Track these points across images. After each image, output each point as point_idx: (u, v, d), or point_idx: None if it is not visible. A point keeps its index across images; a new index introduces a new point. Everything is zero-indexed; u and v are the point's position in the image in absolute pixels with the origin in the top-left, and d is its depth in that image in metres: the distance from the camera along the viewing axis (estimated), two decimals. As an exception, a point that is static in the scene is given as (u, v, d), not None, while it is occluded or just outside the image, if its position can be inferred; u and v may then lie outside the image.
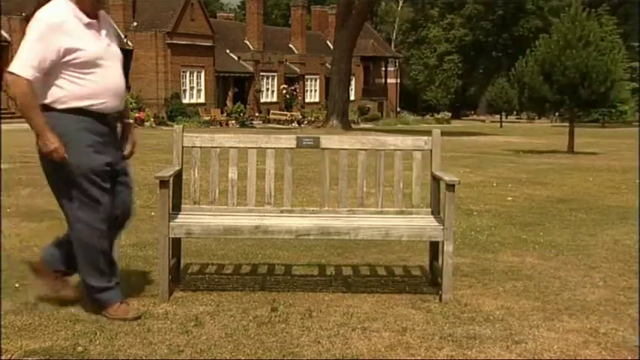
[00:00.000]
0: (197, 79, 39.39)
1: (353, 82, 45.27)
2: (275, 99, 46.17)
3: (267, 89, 46.02)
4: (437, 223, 4.37)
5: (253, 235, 4.26)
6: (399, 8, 71.87)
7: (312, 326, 3.77)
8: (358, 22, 31.31)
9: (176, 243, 4.60)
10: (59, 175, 3.76)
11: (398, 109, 58.67)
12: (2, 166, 10.12)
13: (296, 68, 48.38)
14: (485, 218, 7.29)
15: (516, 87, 20.80)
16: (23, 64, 3.62)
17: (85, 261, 3.85)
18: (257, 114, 42.90)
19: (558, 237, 6.34)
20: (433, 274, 4.67)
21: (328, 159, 4.69)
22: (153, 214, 6.74)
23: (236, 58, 44.06)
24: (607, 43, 18.81)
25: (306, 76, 49.38)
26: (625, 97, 41.13)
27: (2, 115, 26.04)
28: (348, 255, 5.49)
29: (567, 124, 20.58)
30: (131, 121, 4.24)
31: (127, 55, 34.20)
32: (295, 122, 40.85)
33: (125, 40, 35.85)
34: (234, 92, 43.12)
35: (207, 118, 36.00)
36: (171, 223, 4.19)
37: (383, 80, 57.39)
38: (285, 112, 43.90)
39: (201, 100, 39.70)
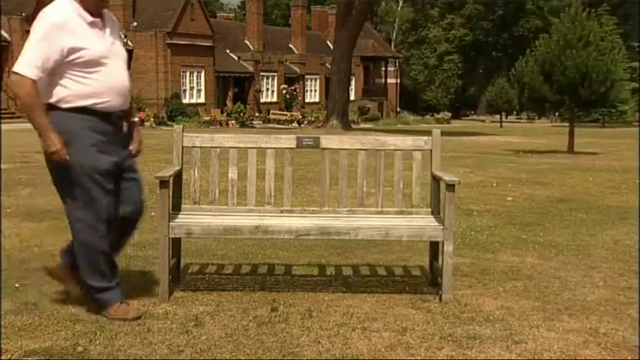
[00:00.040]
0: (197, 79, 39.39)
1: (353, 82, 45.27)
2: (275, 99, 46.17)
3: (267, 89, 46.02)
4: (437, 223, 4.37)
5: (253, 235, 4.26)
6: (399, 8, 71.86)
7: (312, 326, 3.77)
8: (358, 22, 31.30)
9: (176, 243, 4.60)
10: (63, 174, 3.76)
11: (398, 109, 58.66)
12: (2, 166, 10.12)
13: (296, 68, 48.38)
14: (485, 218, 7.29)
15: (516, 87, 20.79)
16: (27, 64, 3.62)
17: (85, 261, 3.85)
18: (257, 114, 42.89)
19: (558, 237, 6.34)
20: (433, 274, 4.67)
21: (328, 159, 4.69)
22: (153, 214, 6.72)
23: (236, 58, 44.06)
24: (607, 43, 18.80)
25: (306, 76, 49.38)
26: (625, 97, 41.12)
27: (2, 115, 26.05)
28: (348, 255, 5.49)
29: (567, 124, 20.58)
30: (137, 119, 4.24)
31: (127, 55, 34.16)
32: (295, 122, 40.83)
33: (125, 40, 35.82)
34: (234, 92, 43.13)
35: (207, 118, 35.99)
36: (171, 223, 4.19)
37: (383, 80, 57.39)
38: (285, 112, 43.88)
39: (201, 100, 39.70)
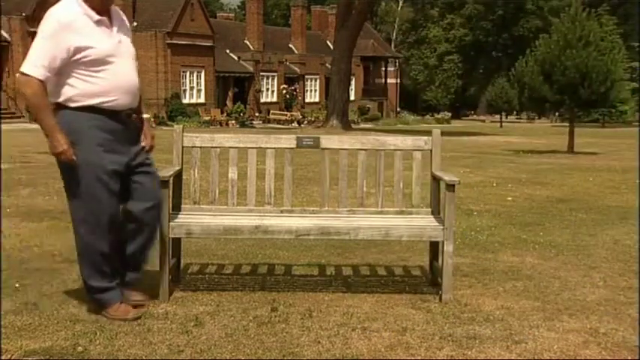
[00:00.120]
0: (197, 79, 39.41)
1: (353, 82, 45.28)
2: (275, 99, 46.18)
3: (267, 89, 46.03)
4: (437, 223, 4.37)
5: (253, 235, 4.26)
6: (399, 8, 71.88)
7: (312, 326, 3.77)
8: (358, 22, 31.31)
9: (176, 243, 4.60)
10: (69, 173, 3.77)
11: (398, 109, 58.68)
12: (2, 166, 10.12)
13: (296, 68, 48.39)
14: (486, 218, 7.29)
15: (516, 87, 20.79)
16: (34, 64, 3.62)
17: (85, 261, 3.85)
18: (257, 114, 42.90)
19: (558, 237, 6.34)
20: (433, 274, 4.67)
21: (328, 159, 4.69)
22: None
23: (236, 58, 44.07)
24: (607, 43, 18.80)
25: (306, 76, 49.39)
26: (625, 97, 41.11)
27: (2, 115, 26.04)
28: (348, 255, 5.49)
29: (567, 124, 20.58)
30: (147, 115, 4.22)
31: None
32: (295, 122, 40.83)
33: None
34: (234, 92, 43.13)
35: (207, 118, 36.01)
36: (171, 223, 4.19)
37: (383, 80, 57.40)
38: (285, 112, 43.89)
39: (201, 100, 39.71)
